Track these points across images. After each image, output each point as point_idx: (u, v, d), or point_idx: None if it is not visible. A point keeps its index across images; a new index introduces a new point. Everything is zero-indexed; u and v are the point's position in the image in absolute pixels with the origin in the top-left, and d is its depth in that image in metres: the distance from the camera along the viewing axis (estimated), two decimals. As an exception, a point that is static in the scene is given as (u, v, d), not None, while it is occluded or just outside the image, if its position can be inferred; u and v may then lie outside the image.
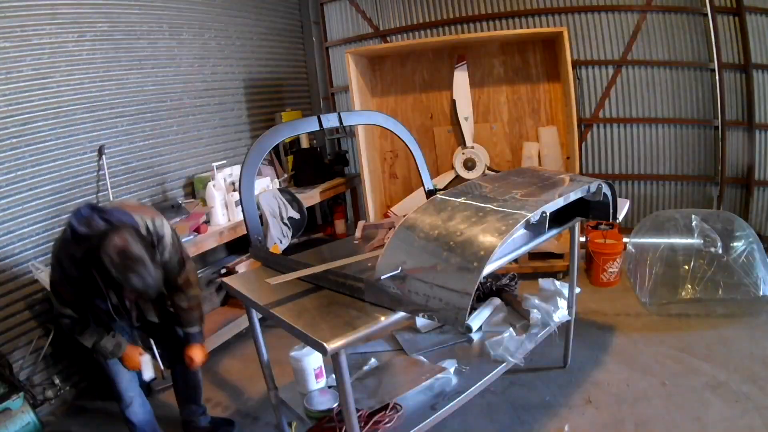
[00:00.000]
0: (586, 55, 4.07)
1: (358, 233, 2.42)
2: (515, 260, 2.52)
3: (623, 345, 2.85)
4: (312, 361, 1.98)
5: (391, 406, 1.83)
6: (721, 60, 3.72)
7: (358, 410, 1.70)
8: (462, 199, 1.74)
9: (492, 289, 2.66)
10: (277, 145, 4.04)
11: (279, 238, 3.20)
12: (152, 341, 2.57)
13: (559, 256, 3.81)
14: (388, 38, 4.66)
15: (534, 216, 1.61)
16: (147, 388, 2.81)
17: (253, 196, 2.05)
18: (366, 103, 4.06)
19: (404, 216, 1.73)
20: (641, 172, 4.19)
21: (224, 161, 3.51)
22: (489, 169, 4.04)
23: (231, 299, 3.61)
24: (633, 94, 4.04)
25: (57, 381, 2.66)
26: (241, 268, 3.31)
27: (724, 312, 3.07)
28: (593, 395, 2.45)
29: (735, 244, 3.20)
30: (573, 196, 1.91)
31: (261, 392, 2.73)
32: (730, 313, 3.05)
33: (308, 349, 1.95)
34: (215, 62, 3.92)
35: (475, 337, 2.35)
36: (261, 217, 3.14)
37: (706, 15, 3.68)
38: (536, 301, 2.47)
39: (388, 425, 1.77)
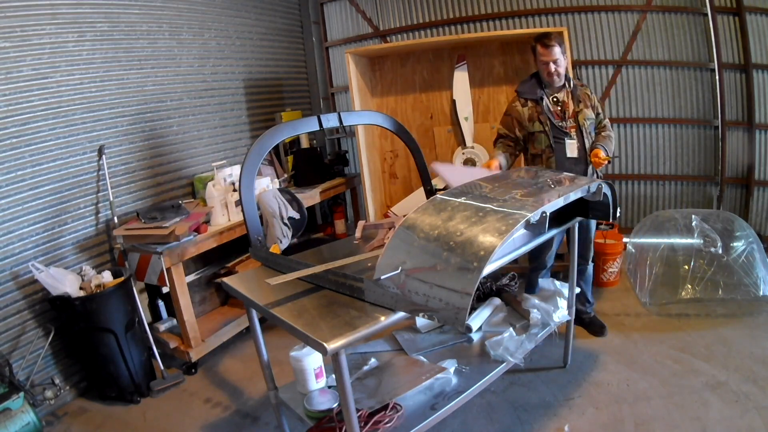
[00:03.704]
0: (586, 55, 4.08)
1: (358, 233, 2.42)
2: (515, 260, 2.52)
3: (623, 345, 2.85)
4: (312, 361, 1.98)
5: (391, 406, 1.83)
6: (721, 60, 3.71)
7: (358, 410, 1.70)
8: (462, 199, 1.74)
9: (492, 289, 2.66)
10: (277, 145, 4.05)
11: (279, 238, 3.19)
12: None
13: (559, 257, 3.80)
14: (388, 38, 4.66)
15: (534, 216, 1.61)
16: (147, 387, 2.82)
17: (253, 196, 2.05)
18: (366, 103, 4.06)
19: (404, 216, 1.73)
20: (641, 172, 4.19)
21: (224, 161, 3.51)
22: (489, 169, 4.04)
23: (231, 299, 3.62)
24: (633, 94, 4.04)
25: (57, 381, 2.66)
26: (241, 268, 3.31)
27: (724, 312, 3.07)
28: (593, 395, 2.45)
29: (735, 244, 3.20)
30: (573, 196, 1.91)
31: (261, 392, 2.73)
32: (730, 313, 3.05)
33: (308, 349, 1.95)
34: (215, 62, 3.92)
35: (475, 337, 2.35)
36: (261, 217, 3.14)
37: (706, 15, 3.68)
38: (536, 301, 2.47)
39: (388, 425, 1.77)
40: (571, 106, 2.67)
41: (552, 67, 2.56)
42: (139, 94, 3.31)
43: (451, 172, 2.55)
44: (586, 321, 3.03)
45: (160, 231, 2.78)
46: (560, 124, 2.67)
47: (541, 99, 2.67)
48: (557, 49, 2.53)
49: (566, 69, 2.66)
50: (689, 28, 3.80)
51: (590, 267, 3.02)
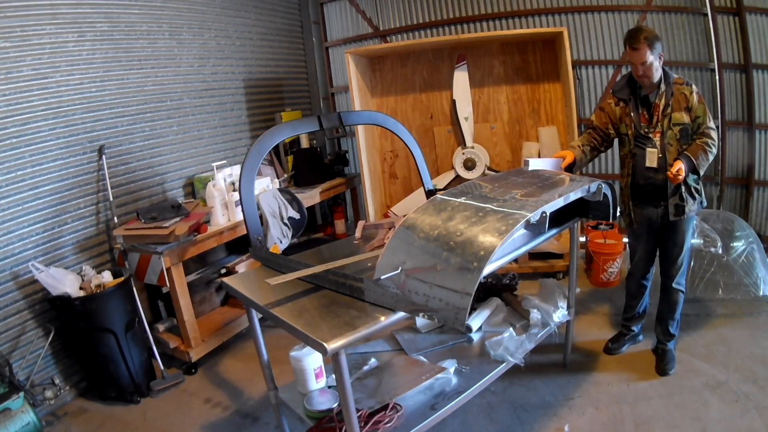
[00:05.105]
0: (586, 55, 4.07)
1: (358, 233, 2.42)
2: (515, 260, 2.52)
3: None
4: (312, 361, 1.98)
5: (391, 406, 1.83)
6: (721, 60, 3.72)
7: (358, 410, 1.70)
8: (462, 199, 1.74)
9: (492, 289, 2.66)
10: (277, 145, 4.06)
11: (279, 238, 3.20)
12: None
13: (559, 256, 3.81)
14: (388, 38, 4.66)
15: (534, 216, 1.61)
16: (147, 387, 2.82)
17: (253, 196, 2.05)
18: (366, 103, 4.06)
19: (404, 216, 1.73)
20: (641, 172, 4.18)
21: (224, 161, 3.51)
22: (489, 169, 4.05)
23: (231, 299, 3.62)
24: (633, 94, 4.04)
25: (57, 381, 2.66)
26: (241, 268, 3.31)
27: (724, 312, 3.07)
28: (593, 395, 2.45)
29: (735, 244, 3.20)
30: (573, 196, 1.92)
31: (261, 392, 2.73)
32: (730, 313, 3.05)
33: (308, 349, 1.95)
34: (215, 62, 3.92)
35: (475, 337, 2.35)
36: (261, 217, 3.14)
37: (706, 15, 3.68)
38: (536, 301, 2.47)
39: (388, 425, 1.77)
40: (660, 109, 2.34)
41: (640, 69, 2.27)
42: (139, 94, 3.31)
43: (534, 165, 2.40)
44: (659, 353, 2.65)
45: (160, 231, 2.78)
46: (645, 129, 2.38)
47: (629, 100, 2.41)
48: (645, 52, 2.22)
49: (661, 69, 2.33)
50: (689, 28, 3.80)
51: (681, 294, 2.56)
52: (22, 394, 2.28)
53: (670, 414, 2.25)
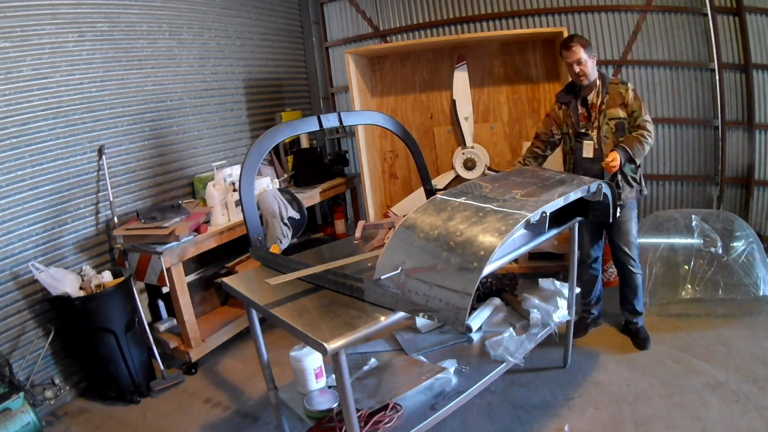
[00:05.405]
0: (586, 55, 4.07)
1: (358, 233, 2.42)
2: (515, 260, 2.52)
3: (623, 345, 2.85)
4: (312, 361, 1.98)
5: (391, 406, 1.83)
6: (721, 60, 3.71)
7: (358, 410, 1.70)
8: (462, 199, 1.74)
9: (492, 289, 2.66)
10: (277, 145, 4.06)
11: (279, 238, 3.19)
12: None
13: (559, 256, 3.81)
14: (388, 38, 4.66)
15: (534, 216, 1.61)
16: (147, 387, 2.83)
17: (253, 196, 2.05)
18: (366, 103, 4.06)
19: (404, 216, 1.73)
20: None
21: (224, 161, 3.51)
22: (489, 169, 4.04)
23: (231, 299, 3.62)
24: (633, 94, 4.04)
25: (57, 381, 2.66)
26: (241, 268, 3.31)
27: (724, 312, 3.07)
28: (593, 395, 2.45)
29: (735, 244, 3.20)
30: (573, 196, 1.92)
31: (261, 392, 2.73)
32: (730, 313, 3.05)
33: (308, 349, 1.95)
34: (215, 62, 3.92)
35: (475, 337, 2.35)
36: (261, 217, 3.14)
37: (706, 15, 3.68)
38: (536, 301, 2.47)
39: (388, 425, 1.77)
40: (597, 106, 2.63)
41: (576, 68, 2.57)
42: (139, 94, 3.31)
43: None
44: (633, 331, 2.89)
45: (160, 231, 2.78)
46: (584, 126, 2.66)
47: (570, 103, 2.70)
48: (579, 50, 2.53)
49: (596, 70, 2.62)
50: (689, 28, 3.80)
51: (638, 275, 2.81)
52: (22, 394, 2.28)
53: (670, 414, 2.25)
